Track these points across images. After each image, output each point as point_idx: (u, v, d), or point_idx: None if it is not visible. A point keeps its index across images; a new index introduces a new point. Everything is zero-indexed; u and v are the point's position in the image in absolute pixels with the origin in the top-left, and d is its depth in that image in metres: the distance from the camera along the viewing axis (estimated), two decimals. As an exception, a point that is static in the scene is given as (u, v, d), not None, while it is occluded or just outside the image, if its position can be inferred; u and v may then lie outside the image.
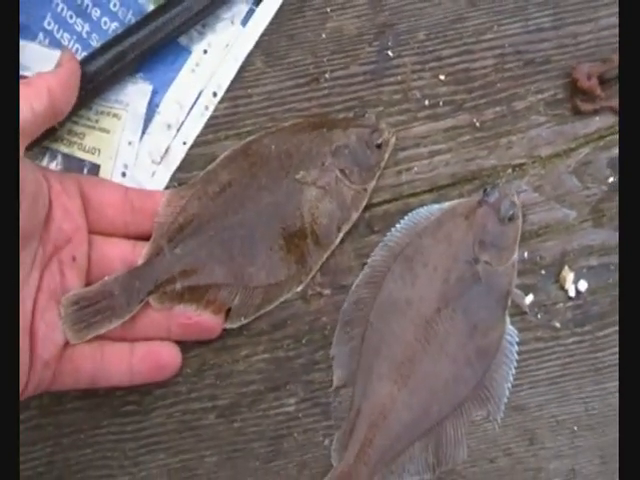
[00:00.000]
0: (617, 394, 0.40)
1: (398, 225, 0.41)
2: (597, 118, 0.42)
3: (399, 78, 0.42)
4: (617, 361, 0.40)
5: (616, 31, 0.42)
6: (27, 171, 0.34)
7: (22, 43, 0.42)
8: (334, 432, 0.39)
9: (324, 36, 0.43)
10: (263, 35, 0.42)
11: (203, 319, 0.39)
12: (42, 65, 0.40)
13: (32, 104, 0.34)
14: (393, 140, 0.41)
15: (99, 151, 0.41)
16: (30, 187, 0.34)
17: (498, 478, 0.40)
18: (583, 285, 0.41)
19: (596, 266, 0.41)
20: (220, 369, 0.40)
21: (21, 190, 0.33)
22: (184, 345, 0.39)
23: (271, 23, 0.42)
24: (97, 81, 0.40)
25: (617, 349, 0.41)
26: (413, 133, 0.42)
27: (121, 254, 0.39)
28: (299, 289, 0.41)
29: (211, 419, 0.40)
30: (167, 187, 0.41)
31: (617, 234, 0.41)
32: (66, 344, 0.37)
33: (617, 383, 0.40)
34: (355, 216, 0.41)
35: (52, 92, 0.35)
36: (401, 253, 0.41)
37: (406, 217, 0.41)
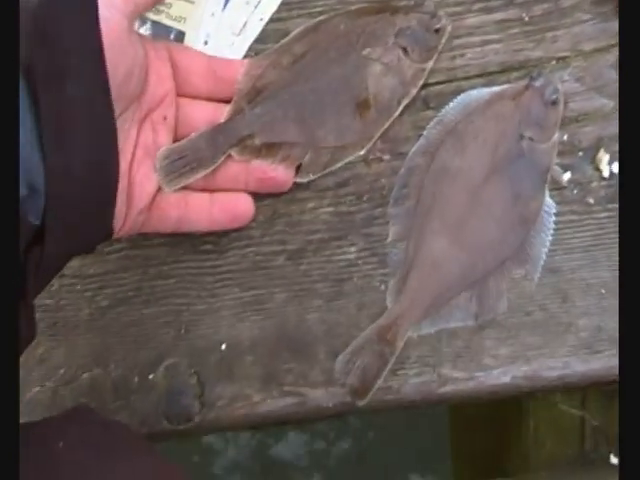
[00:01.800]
0: (641, 262, 0.47)
1: (451, 104, 0.47)
2: (636, 20, 0.49)
3: (457, -27, 0.49)
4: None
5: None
6: (135, 42, 0.40)
7: None
8: (389, 279, 0.47)
9: None
10: None
11: (277, 173, 0.47)
12: None
13: None
14: (449, 27, 0.49)
15: (184, 20, 0.49)
16: (135, 57, 0.40)
17: (533, 329, 0.47)
18: (616, 167, 0.48)
19: None
20: (289, 218, 0.48)
21: (128, 59, 0.39)
22: (258, 195, 0.47)
23: None
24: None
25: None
26: (467, 23, 0.50)
27: (205, 115, 0.46)
28: (362, 153, 0.48)
29: (280, 261, 0.48)
30: (245, 56, 0.49)
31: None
32: (156, 193, 0.44)
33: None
34: (414, 92, 0.48)
35: None
36: (454, 128, 0.48)
37: (459, 97, 0.47)
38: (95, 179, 0.37)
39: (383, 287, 0.47)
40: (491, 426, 0.72)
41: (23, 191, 0.34)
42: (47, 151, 0.34)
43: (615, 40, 0.50)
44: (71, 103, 0.35)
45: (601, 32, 0.50)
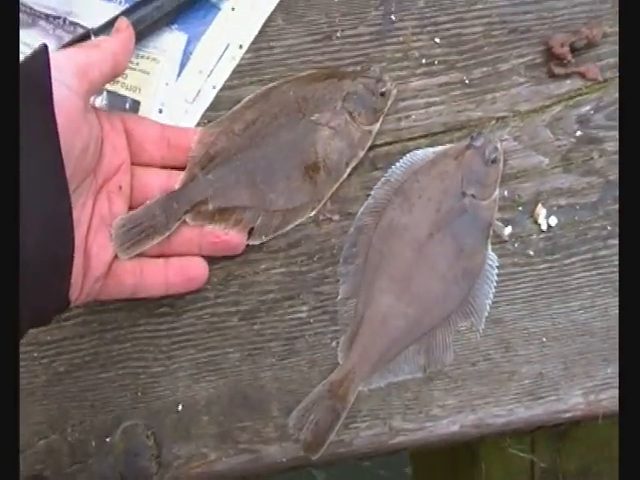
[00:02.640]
0: (580, 312, 0.53)
1: (398, 164, 0.52)
2: (568, 81, 0.55)
3: (400, 39, 0.55)
4: (579, 284, 0.53)
5: (586, 7, 0.56)
6: (90, 119, 0.44)
7: (73, -6, 0.52)
8: (340, 336, 0.51)
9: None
10: (284, -4, 0.54)
11: (230, 237, 0.51)
12: (88, 12, 0.53)
13: (100, 66, 0.43)
14: (395, 91, 0.53)
15: (139, 89, 0.53)
16: (90, 133, 0.43)
17: (478, 378, 0.52)
18: (553, 220, 0.53)
19: (564, 205, 0.54)
20: (243, 279, 0.52)
21: (83, 136, 0.42)
22: (212, 258, 0.51)
23: (291, -14, 0.54)
24: (139, 29, 0.52)
25: (583, 274, 0.53)
26: (412, 87, 0.55)
27: (159, 182, 0.50)
28: (312, 214, 0.53)
29: (235, 321, 0.52)
30: (198, 123, 0.53)
31: (582, 179, 0.54)
32: (112, 261, 0.47)
33: (580, 303, 0.52)
34: (361, 154, 0.52)
35: (115, 54, 0.45)
36: (400, 187, 0.53)
37: (404, 157, 0.52)
38: (50, 250, 0.40)
39: (334, 344, 0.51)
40: (447, 470, 0.76)
41: None
42: None
43: (549, 102, 0.55)
44: (26, 184, 0.37)
45: (535, 94, 0.55)
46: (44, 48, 0.41)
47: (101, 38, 0.48)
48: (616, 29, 0.55)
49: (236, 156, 0.51)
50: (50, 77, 0.40)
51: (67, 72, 0.41)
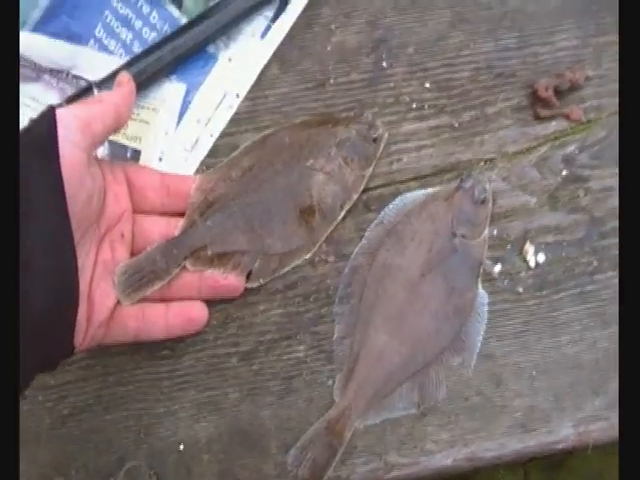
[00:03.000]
0: (570, 345, 0.55)
1: (390, 206, 0.55)
2: (553, 123, 0.58)
3: (391, 85, 0.58)
4: (568, 319, 0.56)
5: (569, 52, 0.59)
6: (93, 172, 0.46)
7: (76, 47, 0.57)
8: (336, 374, 0.53)
9: (329, 48, 0.59)
10: (278, 46, 0.58)
11: (228, 281, 0.53)
12: (91, 66, 0.56)
13: (103, 119, 0.46)
14: (386, 135, 0.56)
15: (140, 139, 0.57)
16: (93, 185, 0.46)
17: (470, 413, 0.54)
18: (541, 257, 0.56)
19: (552, 242, 0.57)
20: (241, 321, 0.55)
21: (87, 188, 0.45)
22: (211, 301, 0.54)
23: (285, 37, 0.58)
24: (139, 81, 0.55)
25: (571, 309, 0.56)
26: (403, 130, 0.58)
27: (159, 229, 0.53)
28: (308, 256, 0.55)
29: (234, 362, 0.54)
30: (197, 171, 0.57)
31: (569, 216, 0.57)
32: (115, 307, 0.49)
33: (569, 337, 0.55)
34: (355, 197, 0.55)
35: (118, 107, 0.47)
36: (393, 229, 0.56)
37: (397, 199, 0.55)
38: (57, 300, 0.42)
39: (331, 382, 0.54)
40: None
41: None
42: None
43: (535, 143, 0.58)
44: (33, 238, 0.40)
45: (521, 135, 0.58)
46: (51, 109, 0.44)
47: (103, 93, 0.51)
48: (599, 72, 0.58)
49: (234, 202, 0.54)
50: (57, 136, 0.43)
51: (71, 128, 0.44)
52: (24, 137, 0.42)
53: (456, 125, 0.58)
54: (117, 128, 0.48)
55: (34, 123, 0.44)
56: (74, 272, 0.44)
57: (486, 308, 0.54)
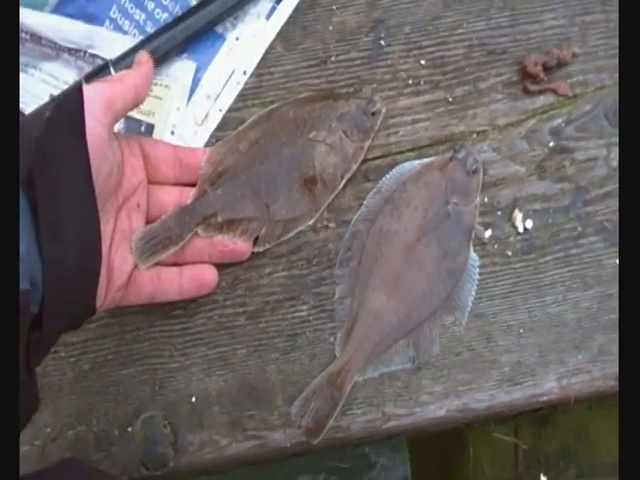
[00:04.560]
0: (554, 305, 0.62)
1: (388, 175, 0.61)
2: (541, 97, 0.65)
3: (389, 62, 0.65)
4: (553, 280, 0.63)
5: (556, 30, 0.66)
6: (113, 147, 0.50)
7: (93, 28, 0.64)
8: (337, 332, 0.60)
9: (330, 28, 0.66)
10: (282, 26, 0.65)
11: (237, 245, 0.59)
12: (107, 45, 0.64)
13: (124, 96, 0.50)
14: (384, 110, 0.63)
15: (153, 114, 0.64)
16: (114, 159, 0.50)
17: (462, 367, 0.62)
18: (529, 223, 0.61)
19: (539, 209, 0.63)
20: (249, 283, 0.61)
21: (108, 162, 0.49)
22: (221, 265, 0.61)
23: (289, 17, 0.66)
24: (152, 59, 0.61)
25: (555, 271, 0.63)
26: (400, 105, 0.65)
27: (172, 198, 0.59)
28: (311, 223, 0.61)
29: (242, 321, 0.61)
30: (207, 143, 0.64)
31: (555, 185, 0.64)
32: (132, 271, 0.54)
33: (554, 297, 0.62)
34: (355, 167, 0.61)
35: (137, 86, 0.51)
36: (390, 196, 0.62)
37: (394, 169, 0.61)
38: (84, 265, 0.47)
39: (332, 339, 0.60)
40: (439, 456, 0.86)
41: (26, 286, 0.42)
42: (45, 248, 0.43)
43: (524, 116, 0.65)
44: (65, 206, 0.45)
45: (512, 109, 0.65)
46: (78, 88, 0.48)
47: (124, 72, 0.57)
48: (585, 49, 0.66)
49: (242, 172, 0.60)
50: (83, 113, 0.49)
51: (95, 105, 0.48)
52: (55, 112, 0.45)
53: (450, 99, 0.64)
54: (136, 105, 0.53)
55: (63, 100, 0.49)
56: (98, 238, 0.49)
57: (477, 270, 0.60)
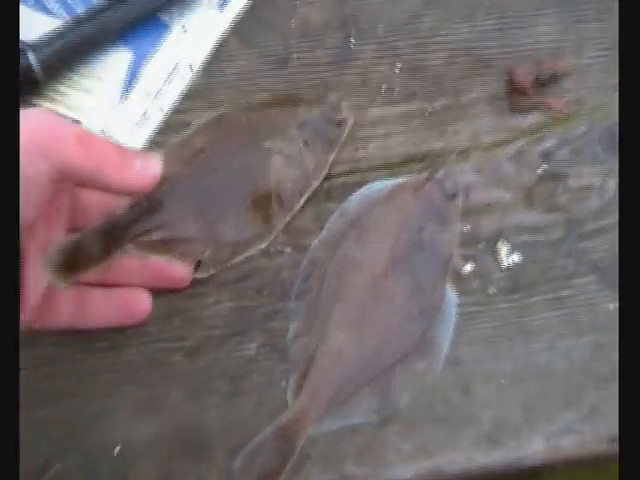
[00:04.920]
0: (541, 353, 0.61)
1: (354, 195, 0.60)
2: (532, 114, 0.65)
3: (359, 65, 0.65)
4: (541, 325, 0.62)
5: (551, 37, 0.67)
6: None
7: (12, 6, 0.61)
8: (290, 375, 0.57)
9: (293, 23, 0.65)
10: (237, 18, 0.64)
11: (174, 269, 0.57)
12: (29, 25, 0.61)
13: (83, 167, 0.48)
14: (352, 119, 0.62)
15: (81, 109, 0.62)
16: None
17: (435, 422, 0.60)
18: (515, 258, 0.60)
19: (527, 242, 0.62)
20: (188, 314, 0.60)
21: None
22: (156, 291, 0.59)
23: (245, 8, 0.64)
24: (82, 46, 0.61)
25: (544, 314, 0.62)
26: (370, 115, 0.64)
27: (102, 205, 0.56)
28: (263, 246, 0.61)
29: (178, 358, 0.57)
30: (144, 148, 0.62)
31: (546, 216, 0.64)
32: (49, 290, 0.51)
33: (541, 344, 0.61)
34: (316, 184, 0.59)
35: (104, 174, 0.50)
36: (356, 220, 0.61)
37: (361, 189, 0.60)
38: None
39: (284, 383, 0.57)
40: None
41: None
42: None
43: (512, 135, 0.65)
44: None
45: (498, 126, 0.65)
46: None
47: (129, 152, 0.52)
48: (581, 61, 0.66)
49: (184, 185, 0.59)
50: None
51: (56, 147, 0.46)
52: None
53: (428, 112, 0.65)
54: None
55: None
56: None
57: (454, 309, 0.59)
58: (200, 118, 0.60)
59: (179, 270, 0.57)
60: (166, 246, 0.58)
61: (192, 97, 0.63)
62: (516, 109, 0.66)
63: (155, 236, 0.58)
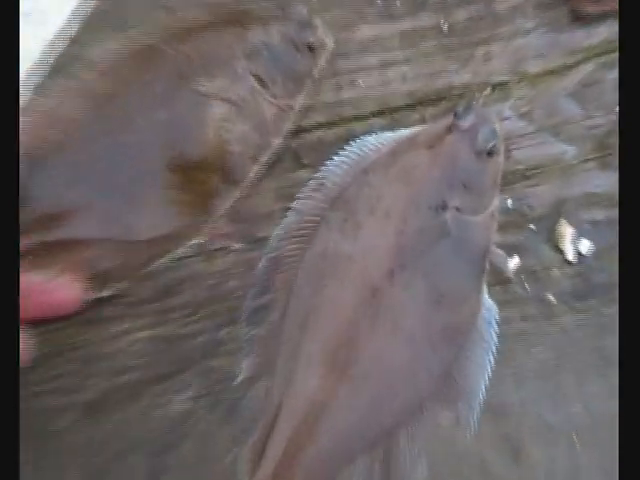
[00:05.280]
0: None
1: (336, 158, 0.45)
2: (602, 26, 0.49)
3: (342, -38, 0.48)
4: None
5: None
6: None
7: None
8: (243, 439, 0.43)
9: None
10: None
11: (60, 290, 0.44)
12: None
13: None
14: (330, 42, 0.46)
15: None
16: None
17: (469, 504, 0.44)
18: (585, 245, 0.46)
19: (602, 220, 0.47)
20: (84, 351, 0.45)
21: None
22: (36, 322, 0.44)
23: None
24: None
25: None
26: (359, 35, 0.48)
27: None
28: (198, 241, 0.45)
29: (69, 421, 0.44)
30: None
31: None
32: None
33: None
34: (277, 143, 0.46)
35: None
36: (340, 196, 0.44)
37: (348, 147, 0.45)
38: None
39: (231, 456, 0.44)
40: None
41: None
42: None
43: (573, 58, 0.48)
44: None
45: (552, 46, 0.49)
46: None
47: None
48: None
49: (78, 148, 0.44)
50: None
51: None
52: None
53: (445, 28, 0.49)
54: None
55: None
56: None
57: (495, 329, 0.44)
58: (103, 51, 0.46)
59: (66, 291, 0.44)
60: (47, 251, 0.44)
61: (90, 22, 0.48)
62: (580, 17, 0.49)
63: (33, 238, 0.43)
